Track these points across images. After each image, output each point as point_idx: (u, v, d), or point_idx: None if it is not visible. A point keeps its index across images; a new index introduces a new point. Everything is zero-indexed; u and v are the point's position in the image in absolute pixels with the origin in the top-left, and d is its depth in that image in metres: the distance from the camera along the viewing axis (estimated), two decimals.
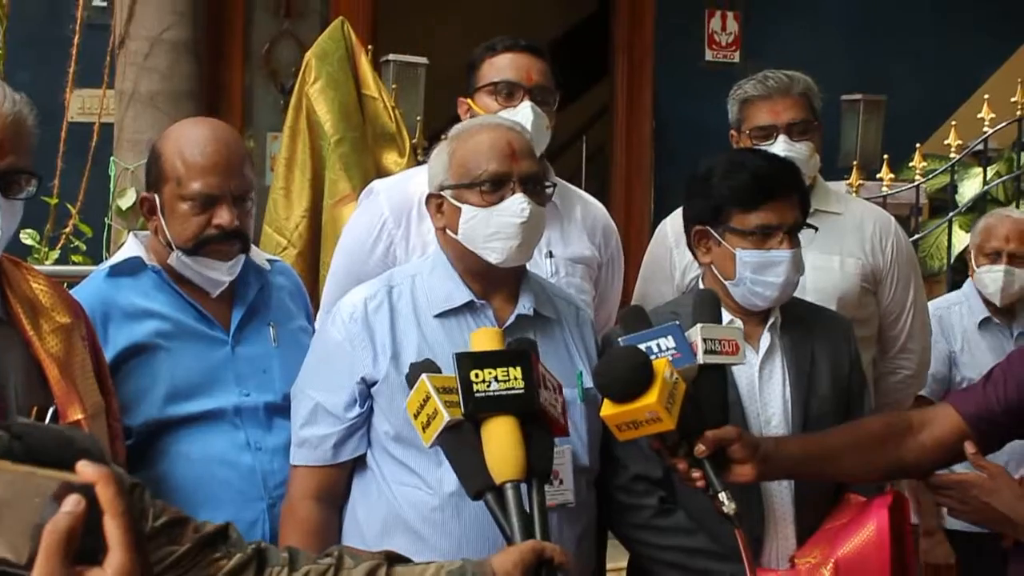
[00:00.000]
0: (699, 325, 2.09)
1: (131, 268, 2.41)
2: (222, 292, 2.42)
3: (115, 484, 0.99)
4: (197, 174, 2.33)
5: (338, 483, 2.29)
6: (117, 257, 2.47)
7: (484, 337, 1.97)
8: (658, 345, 2.03)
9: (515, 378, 1.85)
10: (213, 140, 2.38)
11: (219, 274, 2.39)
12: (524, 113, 2.68)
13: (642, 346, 2.02)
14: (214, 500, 2.25)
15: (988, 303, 3.95)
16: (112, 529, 0.98)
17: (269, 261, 2.60)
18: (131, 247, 2.45)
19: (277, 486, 2.34)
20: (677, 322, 2.09)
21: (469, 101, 2.82)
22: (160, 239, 2.40)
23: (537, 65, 2.78)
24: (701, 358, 2.05)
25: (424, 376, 1.87)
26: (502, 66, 2.77)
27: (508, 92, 2.74)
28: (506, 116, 2.54)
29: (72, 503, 0.96)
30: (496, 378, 1.84)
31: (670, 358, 2.00)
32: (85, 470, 0.99)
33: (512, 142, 2.25)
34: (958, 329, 3.95)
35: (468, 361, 1.86)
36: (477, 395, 1.83)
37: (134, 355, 2.32)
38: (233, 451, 2.35)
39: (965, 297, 4.03)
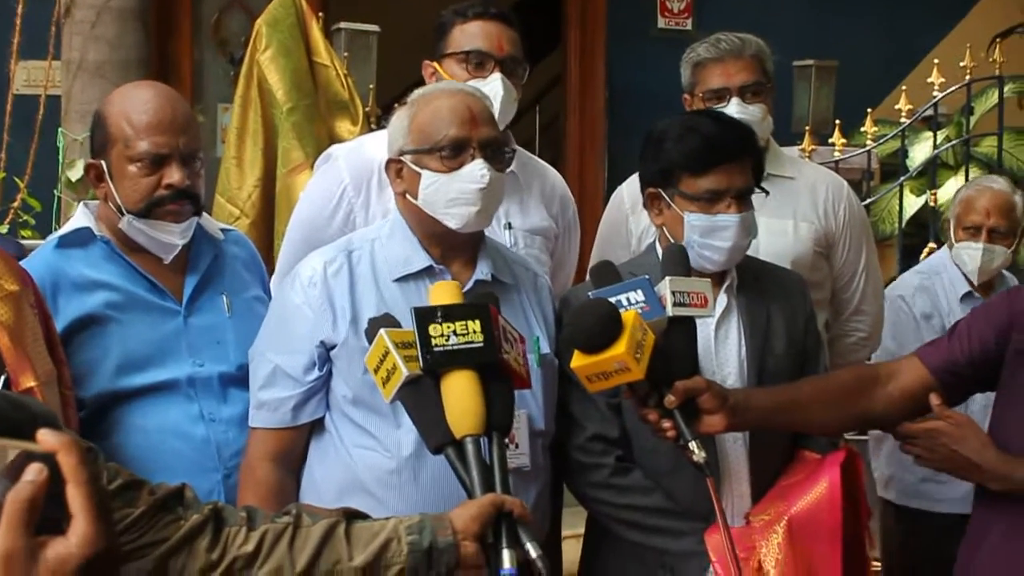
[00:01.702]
0: (668, 278, 2.11)
1: (80, 239, 2.37)
2: (174, 262, 2.39)
3: (78, 452, 0.97)
4: (144, 133, 2.30)
5: (296, 446, 2.28)
6: (66, 228, 2.43)
7: (443, 291, 1.97)
8: (627, 299, 2.06)
9: (474, 331, 1.84)
10: (157, 98, 2.35)
11: (172, 237, 2.35)
12: (494, 86, 2.66)
13: (612, 299, 2.03)
14: (168, 471, 2.17)
15: (968, 279, 3.72)
16: (75, 498, 0.96)
17: (223, 231, 2.57)
18: (80, 218, 2.42)
19: (232, 456, 2.33)
20: (647, 276, 2.11)
21: (435, 65, 2.79)
22: (110, 205, 2.36)
23: (508, 34, 2.74)
24: (670, 310, 2.08)
25: (383, 331, 1.87)
26: (473, 33, 2.73)
27: (479, 62, 2.71)
28: (475, 86, 2.51)
29: (34, 472, 0.94)
30: (455, 332, 1.84)
31: (640, 311, 2.02)
32: (46, 438, 0.97)
33: (472, 107, 2.25)
34: (941, 299, 3.71)
35: (426, 315, 1.86)
36: (436, 349, 1.83)
37: (84, 327, 2.30)
38: (187, 422, 2.33)
39: (943, 268, 3.78)
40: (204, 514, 1.60)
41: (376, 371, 1.87)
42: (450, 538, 1.65)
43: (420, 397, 1.85)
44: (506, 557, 1.68)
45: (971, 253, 3.66)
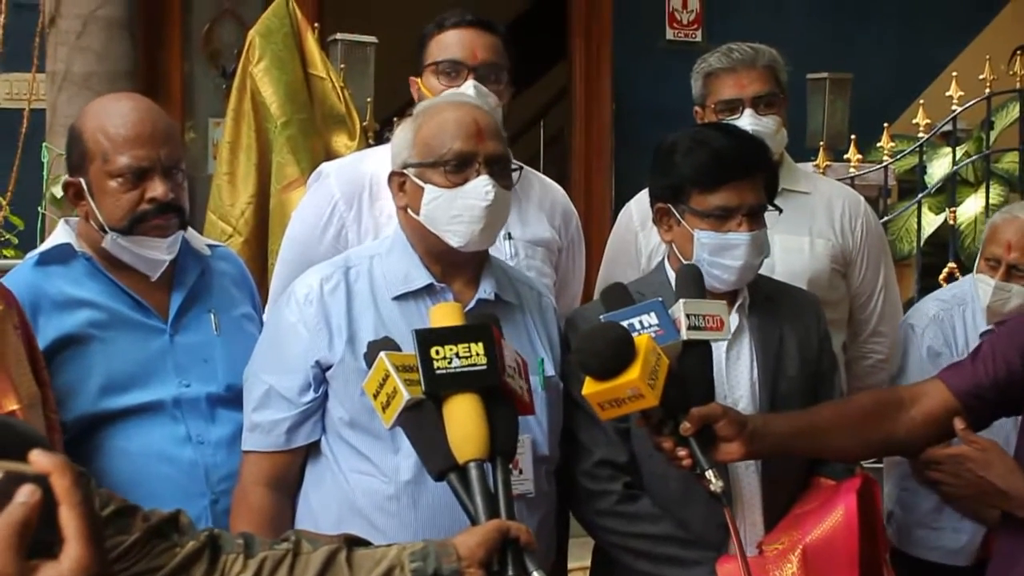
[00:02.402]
0: (682, 301, 2.08)
1: (61, 255, 2.33)
2: (160, 279, 2.35)
3: (71, 473, 0.96)
4: (123, 147, 2.25)
5: (291, 470, 2.24)
6: (46, 245, 2.38)
7: (444, 312, 1.94)
8: (640, 322, 2.02)
9: (477, 354, 1.82)
10: (135, 111, 2.31)
11: (158, 253, 2.31)
12: (466, 93, 2.60)
13: (624, 323, 2.00)
14: (154, 497, 2.12)
15: None
16: (69, 520, 0.95)
17: (210, 246, 2.52)
18: (61, 234, 2.36)
19: (221, 480, 2.28)
20: (660, 298, 2.08)
21: (419, 80, 2.77)
22: (92, 224, 2.31)
23: (483, 40, 2.71)
24: (685, 334, 2.04)
25: (383, 354, 1.84)
26: (447, 43, 2.70)
27: (452, 71, 2.68)
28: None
29: (27, 493, 0.93)
30: (457, 354, 1.82)
31: (653, 335, 1.99)
32: (39, 459, 0.96)
33: (479, 121, 2.21)
34: (960, 333, 3.32)
35: (428, 337, 1.83)
36: (438, 372, 1.81)
37: (66, 347, 2.25)
38: (173, 445, 2.28)
39: (971, 298, 3.36)
40: (200, 541, 1.57)
41: (376, 396, 1.85)
42: (455, 565, 1.63)
43: (422, 422, 1.83)
44: None
45: (984, 288, 3.27)
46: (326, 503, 2.21)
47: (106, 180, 2.25)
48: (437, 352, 1.81)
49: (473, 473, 1.77)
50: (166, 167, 2.27)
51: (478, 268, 2.28)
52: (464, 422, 1.80)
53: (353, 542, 1.69)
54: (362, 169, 2.68)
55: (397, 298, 2.22)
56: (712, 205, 2.32)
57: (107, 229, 2.27)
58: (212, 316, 2.40)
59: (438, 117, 2.22)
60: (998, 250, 3.24)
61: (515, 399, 1.90)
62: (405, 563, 1.63)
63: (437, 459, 1.80)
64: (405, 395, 1.80)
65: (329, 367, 2.18)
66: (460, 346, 1.82)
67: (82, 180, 2.29)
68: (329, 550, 1.64)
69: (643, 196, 2.85)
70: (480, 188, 2.16)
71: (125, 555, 1.49)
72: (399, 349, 1.89)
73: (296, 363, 2.19)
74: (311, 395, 2.20)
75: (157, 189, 2.25)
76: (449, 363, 1.81)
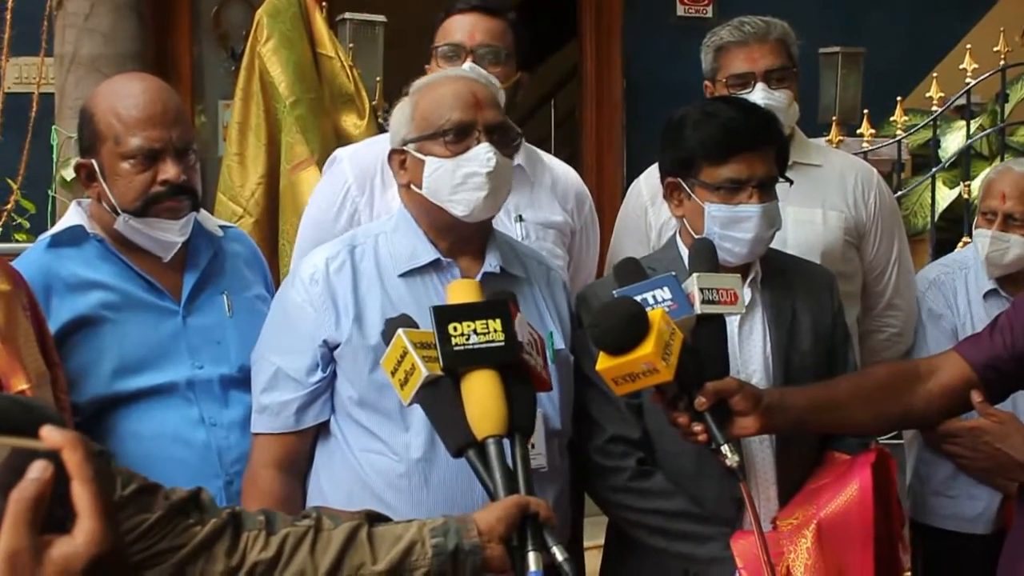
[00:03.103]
0: (696, 275, 2.07)
1: (73, 237, 2.32)
2: (172, 260, 2.34)
3: (83, 449, 0.96)
4: (135, 128, 2.24)
5: (301, 451, 2.24)
6: (57, 227, 2.38)
7: (461, 289, 1.95)
8: (654, 296, 2.01)
9: (495, 330, 1.83)
10: (147, 91, 2.29)
11: (171, 235, 2.30)
12: (463, 69, 2.61)
13: (637, 298, 1.99)
14: (167, 479, 2.15)
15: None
16: (81, 495, 0.95)
17: (222, 227, 2.52)
18: (72, 216, 2.36)
19: (234, 462, 2.27)
20: (673, 273, 2.07)
21: (429, 68, 2.79)
22: (104, 206, 2.30)
23: (483, 24, 2.73)
24: (699, 308, 2.04)
25: (401, 331, 1.85)
26: (450, 29, 2.75)
27: (452, 55, 2.71)
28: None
29: (39, 469, 0.93)
30: (475, 331, 1.82)
31: (667, 309, 1.98)
32: (51, 435, 0.96)
33: (476, 91, 2.21)
34: (961, 296, 3.31)
35: (446, 314, 1.84)
36: (456, 348, 1.81)
37: (78, 328, 2.24)
38: (186, 427, 2.27)
39: (971, 261, 3.36)
40: (222, 518, 1.58)
41: (393, 373, 1.86)
42: (475, 540, 1.64)
43: (440, 398, 1.84)
44: (532, 560, 1.67)
45: (981, 241, 3.26)
46: (337, 483, 2.20)
47: (118, 162, 2.25)
48: (455, 328, 1.82)
49: (492, 449, 1.78)
50: (178, 148, 2.26)
51: (483, 242, 2.27)
52: (482, 398, 1.81)
53: (374, 518, 1.69)
54: (375, 154, 2.68)
55: (403, 275, 2.21)
56: (722, 177, 2.30)
57: (119, 211, 2.27)
58: (225, 298, 2.40)
59: (435, 91, 2.22)
60: (994, 202, 3.25)
61: (533, 375, 1.90)
62: (426, 539, 1.64)
63: (456, 435, 1.81)
64: (424, 371, 1.81)
65: (337, 346, 2.18)
66: (478, 322, 1.83)
67: (94, 161, 2.28)
68: (350, 526, 1.64)
69: (652, 172, 2.85)
70: (481, 155, 2.16)
71: (147, 533, 1.49)
72: (417, 326, 1.89)
73: (303, 343, 2.19)
74: (319, 375, 2.19)
75: (169, 171, 2.25)
76: (467, 339, 1.82)
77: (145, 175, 2.24)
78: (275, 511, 1.72)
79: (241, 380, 2.31)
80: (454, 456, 1.83)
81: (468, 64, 2.66)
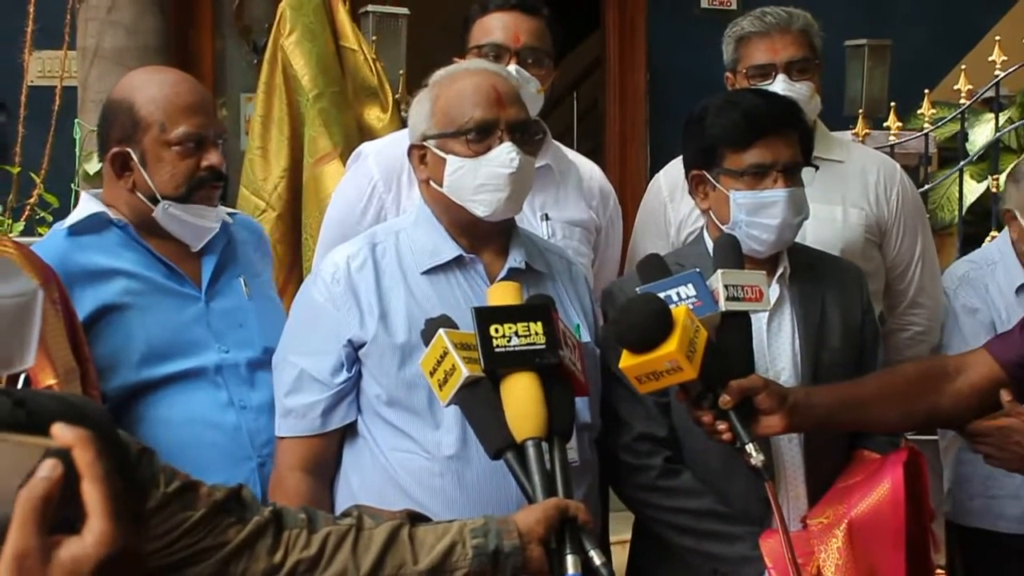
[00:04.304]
0: (720, 271, 2.05)
1: (93, 225, 2.34)
2: (188, 247, 2.37)
3: (93, 447, 0.95)
4: (183, 116, 2.28)
5: (328, 453, 2.21)
6: (76, 216, 2.37)
7: (502, 291, 1.95)
8: (678, 294, 2.00)
9: (536, 333, 1.84)
10: (186, 81, 2.36)
11: (208, 220, 2.34)
12: (483, 61, 2.57)
13: (661, 295, 1.98)
14: (201, 464, 2.13)
15: None
16: (90, 494, 0.94)
17: (230, 214, 2.54)
18: (90, 204, 2.36)
19: (264, 444, 2.28)
20: (698, 269, 2.05)
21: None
22: (139, 194, 2.31)
23: (527, 24, 2.70)
24: (723, 305, 2.02)
25: (442, 331, 1.85)
26: (491, 27, 2.71)
27: (495, 55, 2.67)
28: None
29: (48, 468, 0.92)
30: (516, 333, 1.83)
31: (691, 306, 1.97)
32: (62, 433, 0.95)
33: (498, 87, 2.17)
34: (994, 293, 3.28)
35: (487, 315, 1.85)
36: (497, 350, 1.82)
37: (103, 316, 2.27)
38: (216, 411, 2.29)
39: (1000, 256, 3.34)
40: (264, 516, 1.58)
41: (432, 374, 1.86)
42: (516, 542, 1.65)
43: (479, 399, 1.84)
44: (570, 563, 1.67)
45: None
46: (368, 484, 2.17)
47: (163, 149, 2.27)
48: (496, 330, 1.82)
49: (531, 451, 1.78)
50: (217, 137, 2.32)
51: (506, 238, 2.25)
52: (523, 400, 1.81)
53: (415, 518, 1.70)
54: (401, 150, 2.62)
55: (426, 272, 2.19)
56: (746, 164, 2.29)
57: (160, 198, 2.28)
58: (242, 282, 2.42)
59: (456, 85, 2.18)
60: None
61: (572, 379, 1.91)
62: (467, 539, 1.64)
63: (495, 437, 1.81)
64: (464, 372, 1.81)
65: (362, 345, 2.15)
66: (519, 325, 1.84)
67: (131, 150, 2.28)
68: (392, 526, 1.65)
69: (672, 167, 2.86)
70: (504, 155, 2.13)
71: (191, 531, 1.49)
72: (457, 327, 1.88)
73: (327, 344, 2.16)
74: (344, 375, 2.16)
75: (213, 157, 2.29)
76: (508, 341, 1.82)
77: (190, 161, 2.28)
78: (316, 510, 1.72)
79: (266, 362, 2.31)
80: (492, 458, 1.83)
81: (514, 66, 2.63)
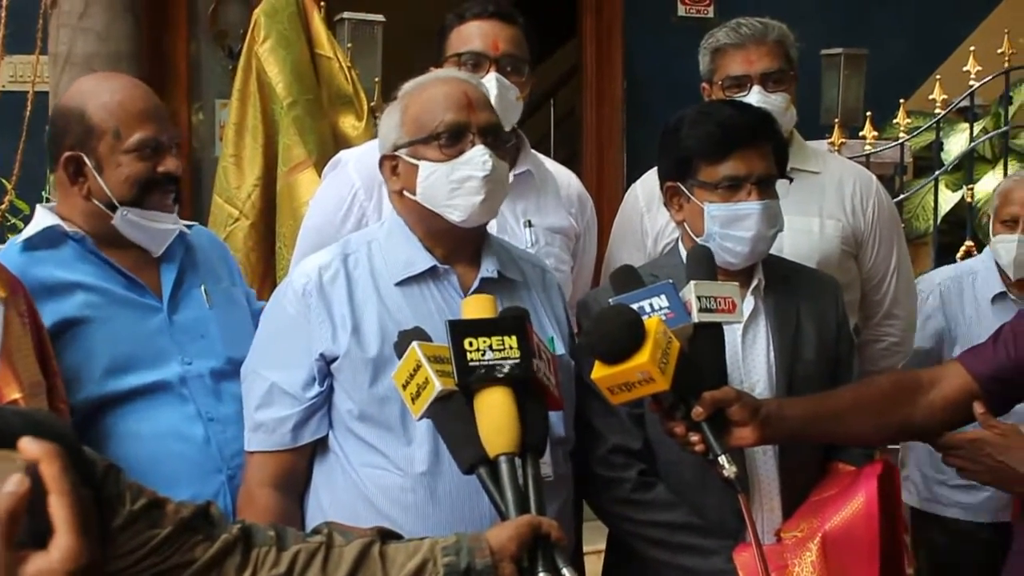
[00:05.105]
0: (692, 282, 2.05)
1: (49, 239, 2.30)
2: (148, 258, 2.35)
3: (60, 461, 0.94)
4: (137, 122, 2.26)
5: (298, 469, 2.18)
6: (30, 229, 2.33)
7: (477, 304, 1.93)
8: (650, 305, 1.99)
9: (511, 347, 1.82)
10: (137, 87, 2.34)
11: (167, 223, 2.33)
12: (488, 86, 2.56)
13: (634, 306, 1.97)
14: (171, 478, 2.14)
15: (1004, 275, 3.60)
16: (57, 509, 0.94)
17: (187, 225, 2.52)
18: (45, 217, 2.33)
19: (234, 456, 2.26)
20: (671, 280, 2.04)
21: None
22: (95, 201, 2.28)
23: (505, 32, 2.68)
24: (696, 317, 2.02)
25: (415, 344, 1.84)
26: (469, 36, 2.68)
27: (474, 63, 2.65)
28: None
29: (14, 482, 0.91)
30: (491, 347, 1.82)
31: (663, 318, 1.96)
32: (28, 447, 0.95)
33: (468, 92, 2.16)
34: (968, 301, 3.59)
35: (461, 329, 1.83)
36: (471, 364, 1.80)
37: (64, 331, 2.22)
38: (185, 424, 2.26)
39: (983, 266, 3.65)
40: (233, 534, 1.56)
41: (405, 387, 1.84)
42: (488, 560, 1.63)
43: (452, 414, 1.82)
44: None
45: (1006, 246, 3.52)
46: (339, 501, 2.14)
47: (118, 155, 2.26)
48: (471, 344, 1.80)
49: (504, 467, 1.76)
50: (172, 141, 2.30)
51: (478, 247, 2.24)
52: (496, 415, 1.79)
53: (386, 535, 1.68)
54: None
55: (400, 284, 2.16)
56: (720, 176, 2.29)
57: (116, 204, 2.26)
58: (203, 290, 2.40)
59: (426, 93, 2.17)
60: (1015, 208, 3.51)
61: (546, 393, 1.89)
62: (438, 557, 1.63)
63: (467, 452, 1.79)
64: (437, 385, 1.79)
65: (334, 359, 2.12)
66: (494, 338, 1.82)
67: (83, 155, 2.26)
68: (362, 543, 1.63)
69: (648, 178, 2.86)
70: (477, 158, 2.11)
71: (158, 549, 1.47)
72: (430, 339, 1.87)
73: (299, 357, 2.13)
74: (316, 389, 2.13)
75: (170, 163, 2.28)
76: (482, 355, 1.80)
77: (147, 164, 2.26)
78: (285, 527, 1.70)
79: (230, 372, 2.30)
80: (465, 473, 1.81)
81: (493, 74, 2.61)
